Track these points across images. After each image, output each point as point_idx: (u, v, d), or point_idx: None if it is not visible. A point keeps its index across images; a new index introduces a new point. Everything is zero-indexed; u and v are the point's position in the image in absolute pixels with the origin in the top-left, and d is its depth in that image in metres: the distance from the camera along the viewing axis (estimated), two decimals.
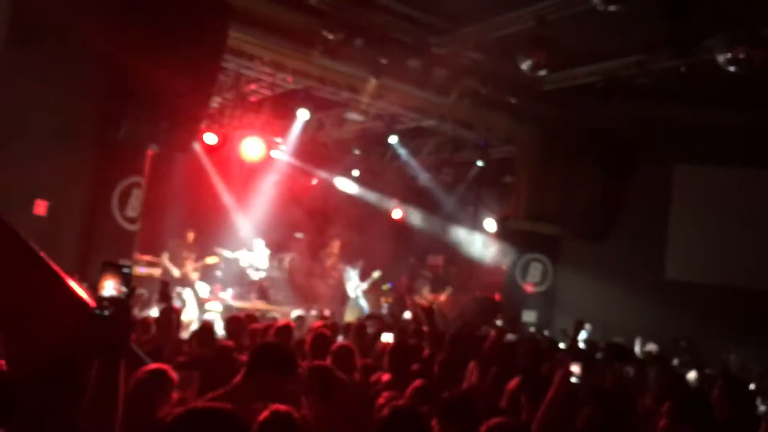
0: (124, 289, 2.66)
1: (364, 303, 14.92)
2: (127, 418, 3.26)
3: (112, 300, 2.66)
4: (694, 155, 12.90)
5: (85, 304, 3.44)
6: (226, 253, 14.27)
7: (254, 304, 13.42)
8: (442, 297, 15.28)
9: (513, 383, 4.83)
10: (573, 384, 4.22)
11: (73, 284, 3.94)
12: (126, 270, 2.68)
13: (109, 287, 2.69)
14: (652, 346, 9.90)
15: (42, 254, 3.93)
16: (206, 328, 6.18)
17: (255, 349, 3.99)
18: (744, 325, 11.47)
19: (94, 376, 2.57)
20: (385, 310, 14.87)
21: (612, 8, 8.21)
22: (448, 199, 16.73)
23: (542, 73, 10.46)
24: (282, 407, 3.12)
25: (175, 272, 12.28)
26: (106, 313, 2.64)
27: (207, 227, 13.93)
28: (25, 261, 3.67)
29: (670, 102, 11.63)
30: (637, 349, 10.43)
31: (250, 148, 13.19)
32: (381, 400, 4.16)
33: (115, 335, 2.68)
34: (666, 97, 11.46)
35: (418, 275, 16.13)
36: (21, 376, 3.03)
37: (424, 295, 15.31)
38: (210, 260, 13.20)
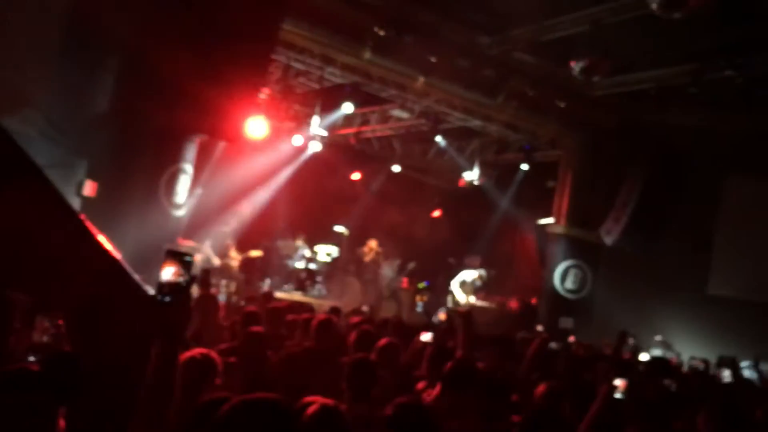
0: (185, 276, 2.71)
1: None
2: (176, 401, 3.32)
3: (172, 286, 2.71)
4: (745, 167, 12.60)
5: (145, 290, 3.52)
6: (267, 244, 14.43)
7: (292, 295, 13.53)
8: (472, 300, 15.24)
9: (542, 388, 4.79)
10: (617, 399, 4.16)
11: (130, 269, 4.03)
12: (188, 258, 2.73)
13: (170, 273, 2.74)
14: (697, 362, 9.72)
15: (104, 240, 4.02)
16: (250, 316, 6.23)
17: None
18: None
19: (153, 360, 2.62)
20: (420, 309, 14.85)
21: (676, 15, 8.02)
22: (489, 201, 16.62)
23: (594, 78, 10.33)
24: (329, 401, 3.14)
25: (216, 261, 12.43)
26: (167, 299, 2.69)
27: (250, 217, 14.07)
28: (91, 248, 3.76)
29: (721, 111, 11.39)
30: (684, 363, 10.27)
31: (255, 127, 12.96)
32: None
33: (174, 321, 2.74)
34: (718, 107, 11.23)
35: (455, 275, 16.04)
36: (85, 360, 3.12)
37: (457, 296, 15.27)
38: (254, 253, 13.32)
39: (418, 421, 3.26)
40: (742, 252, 12.75)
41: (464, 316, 8.17)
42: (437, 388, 4.30)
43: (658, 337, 11.97)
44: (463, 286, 15.16)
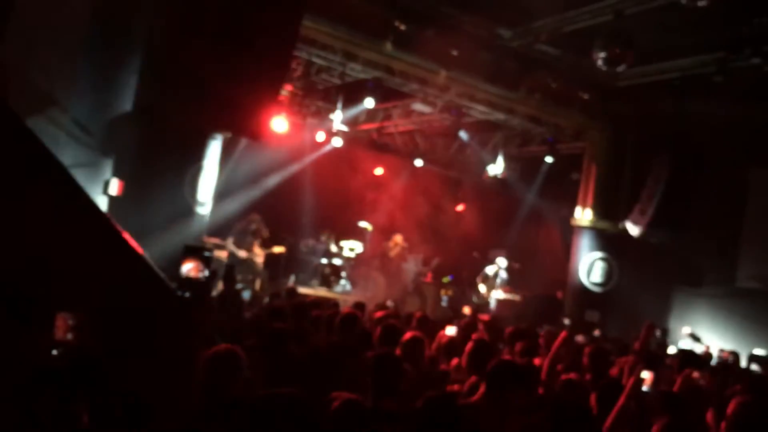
0: (205, 272, 2.74)
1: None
2: (201, 396, 3.36)
3: (192, 282, 2.74)
4: None
5: (167, 285, 3.57)
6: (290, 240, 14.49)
7: (317, 291, 13.60)
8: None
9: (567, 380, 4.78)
10: (644, 392, 4.13)
11: (153, 265, 4.09)
12: (207, 254, 2.76)
13: (190, 269, 2.78)
14: (725, 354, 9.60)
15: (127, 237, 4.08)
16: (275, 311, 6.27)
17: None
18: None
19: (176, 355, 2.65)
20: (444, 303, 14.83)
21: (702, 3, 7.90)
22: (514, 194, 16.55)
23: (617, 68, 10.22)
24: (353, 396, 3.16)
25: (242, 253, 12.51)
26: (187, 294, 2.73)
27: (274, 213, 14.13)
28: (115, 245, 3.82)
29: (748, 102, 11.20)
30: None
31: (277, 124, 13.12)
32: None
33: (195, 316, 2.77)
34: (744, 97, 11.04)
35: (479, 269, 16.00)
36: (108, 356, 3.17)
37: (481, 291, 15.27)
38: (277, 249, 13.38)
39: (448, 415, 3.26)
40: None
41: (488, 324, 8.16)
42: (480, 388, 4.27)
43: (686, 330, 11.83)
44: (486, 281, 15.14)
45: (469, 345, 5.15)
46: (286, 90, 12.78)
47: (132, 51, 9.05)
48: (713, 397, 5.90)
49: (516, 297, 15.11)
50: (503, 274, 15.14)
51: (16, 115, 3.35)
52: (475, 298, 15.03)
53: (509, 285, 15.37)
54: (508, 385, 4.09)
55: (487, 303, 14.74)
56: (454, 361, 5.70)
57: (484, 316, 10.90)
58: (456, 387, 4.94)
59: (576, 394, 4.57)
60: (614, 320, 12.35)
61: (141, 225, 8.77)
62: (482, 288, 15.21)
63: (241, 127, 9.95)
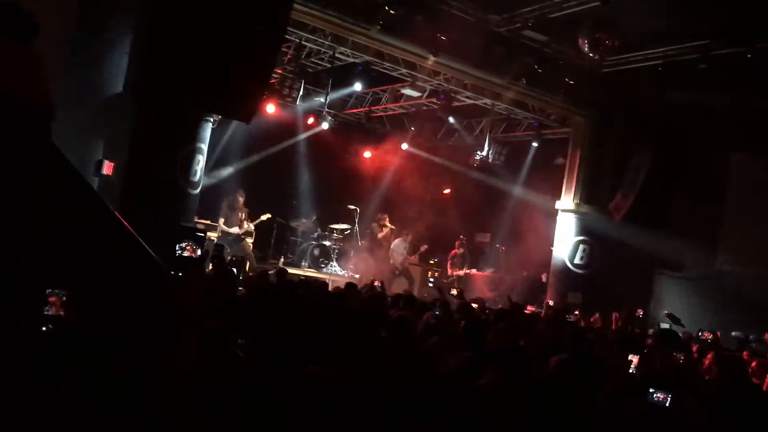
0: (198, 251, 2.90)
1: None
2: (192, 373, 3.52)
3: (186, 261, 2.90)
4: (753, 144, 12.63)
5: (159, 265, 3.72)
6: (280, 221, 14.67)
7: (306, 272, 13.78)
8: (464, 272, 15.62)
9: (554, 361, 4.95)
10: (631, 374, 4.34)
11: (145, 245, 4.23)
12: (200, 234, 2.93)
13: (183, 249, 2.94)
14: (705, 335, 9.85)
15: (119, 218, 4.23)
16: (265, 290, 6.42)
17: None
18: None
19: (167, 333, 2.80)
20: (431, 284, 15.07)
21: None
22: (500, 178, 16.74)
23: (602, 55, 10.38)
24: (333, 372, 3.28)
25: (230, 236, 12.68)
26: (180, 274, 2.89)
27: (263, 195, 14.26)
28: (106, 224, 3.96)
29: (730, 89, 11.39)
30: None
31: (268, 107, 13.44)
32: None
33: (187, 295, 2.93)
34: (726, 84, 11.23)
35: (463, 251, 16.26)
36: (99, 333, 3.29)
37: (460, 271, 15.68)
38: (264, 217, 13.57)
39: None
40: (749, 228, 12.81)
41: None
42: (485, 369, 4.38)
43: (666, 312, 12.10)
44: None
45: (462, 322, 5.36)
46: (276, 73, 12.86)
47: (123, 33, 9.13)
48: (692, 377, 6.15)
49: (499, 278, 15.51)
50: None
51: None
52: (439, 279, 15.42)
53: (473, 264, 15.91)
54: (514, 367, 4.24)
55: (453, 281, 15.09)
56: None
57: (454, 290, 11.22)
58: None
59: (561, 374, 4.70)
60: (597, 302, 12.59)
61: (132, 206, 8.93)
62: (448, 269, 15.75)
63: (232, 109, 10.04)
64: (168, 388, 2.95)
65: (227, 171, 14.92)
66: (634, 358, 5.74)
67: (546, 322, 8.92)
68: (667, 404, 3.80)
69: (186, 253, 2.69)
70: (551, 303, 12.56)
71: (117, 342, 3.28)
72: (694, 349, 8.28)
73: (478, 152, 15.48)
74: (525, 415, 3.47)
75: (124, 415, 2.67)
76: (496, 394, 3.64)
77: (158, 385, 2.94)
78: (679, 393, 4.10)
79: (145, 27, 9.15)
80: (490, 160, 15.61)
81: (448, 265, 15.94)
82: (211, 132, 10.45)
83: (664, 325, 11.16)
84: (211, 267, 8.86)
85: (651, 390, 3.89)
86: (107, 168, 8.93)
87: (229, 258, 10.36)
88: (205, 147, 10.20)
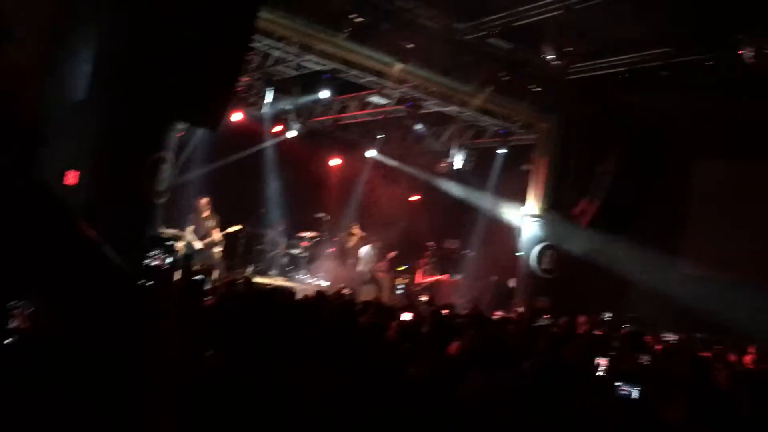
0: (167, 260, 2.87)
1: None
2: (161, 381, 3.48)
3: (155, 270, 2.86)
4: (715, 149, 12.91)
5: (126, 274, 3.65)
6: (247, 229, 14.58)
7: (275, 281, 13.70)
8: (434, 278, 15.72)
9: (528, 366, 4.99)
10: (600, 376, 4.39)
11: (113, 255, 4.16)
12: (170, 243, 2.90)
13: (152, 258, 2.90)
14: (671, 336, 10.01)
15: (84, 225, 4.15)
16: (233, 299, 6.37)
17: None
18: (763, 322, 11.46)
19: (138, 345, 2.75)
20: (400, 291, 15.10)
21: None
22: (467, 185, 16.85)
23: (567, 62, 10.53)
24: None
25: (198, 245, 12.57)
26: (149, 283, 2.84)
27: (231, 204, 14.17)
28: (70, 232, 3.88)
29: (694, 94, 11.63)
30: None
31: (234, 115, 13.47)
32: None
33: (158, 305, 2.88)
34: (690, 89, 11.46)
35: (433, 258, 16.31)
36: (66, 346, 3.22)
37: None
38: (232, 229, 13.46)
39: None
40: (712, 232, 13.07)
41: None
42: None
43: (630, 315, 12.27)
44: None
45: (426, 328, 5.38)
46: (243, 81, 12.80)
47: (86, 41, 8.97)
48: (658, 377, 6.24)
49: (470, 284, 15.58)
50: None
51: None
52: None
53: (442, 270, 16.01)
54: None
55: (423, 288, 15.18)
56: None
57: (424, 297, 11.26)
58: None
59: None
60: (564, 306, 12.71)
61: (98, 215, 8.78)
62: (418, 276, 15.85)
63: (198, 117, 9.96)
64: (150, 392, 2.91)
65: (193, 177, 14.77)
66: (602, 361, 5.80)
67: (516, 327, 8.99)
68: (636, 397, 3.87)
69: (155, 263, 2.65)
70: (520, 310, 12.67)
71: (87, 354, 3.22)
72: (659, 349, 8.43)
73: (446, 159, 15.56)
74: (510, 419, 3.49)
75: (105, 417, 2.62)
76: (480, 398, 3.67)
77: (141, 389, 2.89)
78: (646, 388, 4.16)
79: (109, 35, 9.02)
80: (458, 167, 15.72)
81: (420, 273, 15.97)
82: (178, 140, 10.35)
83: (630, 328, 11.30)
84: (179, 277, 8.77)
85: (618, 384, 3.97)
86: (72, 177, 8.78)
87: (196, 266, 10.27)
88: (171, 155, 10.09)
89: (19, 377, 2.66)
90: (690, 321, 11.85)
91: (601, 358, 6.17)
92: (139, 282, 2.87)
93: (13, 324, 3.50)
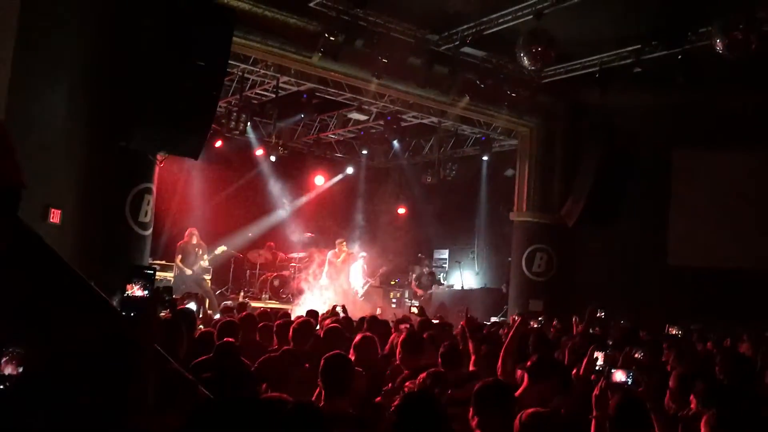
0: (147, 291, 2.87)
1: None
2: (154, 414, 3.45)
3: (136, 301, 2.86)
4: (691, 139, 13.05)
5: (111, 306, 3.64)
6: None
7: (267, 304, 13.63)
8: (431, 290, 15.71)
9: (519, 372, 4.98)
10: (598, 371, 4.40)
11: (96, 288, 4.14)
12: (150, 273, 2.89)
13: (134, 289, 2.90)
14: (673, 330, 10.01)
15: (64, 261, 4.12)
16: (225, 326, 6.32)
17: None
18: (750, 308, 11.53)
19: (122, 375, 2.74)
20: (394, 305, 15.07)
21: None
22: (453, 194, 16.91)
23: (541, 65, 10.63)
24: (305, 399, 3.25)
25: (188, 272, 12.53)
26: (132, 314, 2.84)
27: (216, 230, 14.15)
28: (52, 268, 3.86)
29: (667, 88, 11.75)
30: None
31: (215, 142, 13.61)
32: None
33: (140, 335, 2.88)
34: (662, 83, 11.59)
35: (424, 270, 16.33)
36: (49, 379, 3.21)
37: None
38: (219, 250, 13.42)
39: (427, 411, 3.24)
40: (697, 222, 13.17)
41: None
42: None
43: (624, 311, 12.28)
44: (420, 282, 15.66)
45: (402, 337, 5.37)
46: (221, 106, 12.82)
47: (62, 72, 8.87)
48: (653, 373, 6.24)
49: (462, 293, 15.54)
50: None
51: None
52: (410, 298, 15.44)
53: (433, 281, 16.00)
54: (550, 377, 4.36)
55: (419, 299, 15.15)
56: None
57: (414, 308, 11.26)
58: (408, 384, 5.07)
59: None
60: (558, 308, 12.73)
61: (82, 250, 8.74)
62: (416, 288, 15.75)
63: (177, 145, 9.91)
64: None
65: (178, 208, 14.75)
66: (600, 355, 5.78)
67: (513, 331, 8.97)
68: (629, 382, 3.89)
69: (137, 293, 2.64)
70: (516, 317, 12.65)
71: (71, 386, 3.20)
72: (656, 342, 8.43)
73: (430, 170, 15.62)
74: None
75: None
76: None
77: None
78: (638, 373, 4.18)
79: (84, 65, 8.99)
80: (441, 178, 15.78)
81: (413, 285, 15.94)
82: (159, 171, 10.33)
83: (624, 324, 11.32)
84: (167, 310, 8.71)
85: (612, 370, 3.99)
86: (53, 216, 8.72)
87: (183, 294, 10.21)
88: (153, 186, 10.06)
89: (13, 425, 2.64)
90: (682, 313, 11.89)
91: (598, 353, 6.13)
92: (123, 313, 2.88)
93: (5, 370, 3.48)
